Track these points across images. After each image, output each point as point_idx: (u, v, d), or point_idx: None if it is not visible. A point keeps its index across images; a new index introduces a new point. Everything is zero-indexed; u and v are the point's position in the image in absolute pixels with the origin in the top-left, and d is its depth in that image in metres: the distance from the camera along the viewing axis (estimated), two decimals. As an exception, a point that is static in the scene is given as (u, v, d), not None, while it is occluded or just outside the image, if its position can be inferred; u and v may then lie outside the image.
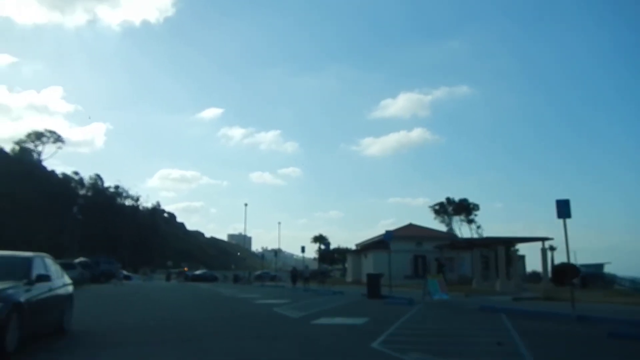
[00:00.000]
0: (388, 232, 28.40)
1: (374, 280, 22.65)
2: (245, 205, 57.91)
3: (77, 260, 41.58)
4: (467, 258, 38.17)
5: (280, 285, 45.14)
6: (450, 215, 69.29)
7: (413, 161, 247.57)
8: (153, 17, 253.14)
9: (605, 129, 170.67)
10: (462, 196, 69.25)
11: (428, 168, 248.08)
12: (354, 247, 54.35)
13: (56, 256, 12.09)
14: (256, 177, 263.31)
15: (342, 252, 72.58)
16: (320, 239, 78.07)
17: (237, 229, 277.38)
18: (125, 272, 65.17)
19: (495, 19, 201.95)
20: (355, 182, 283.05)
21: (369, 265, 45.85)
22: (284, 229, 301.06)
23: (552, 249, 66.34)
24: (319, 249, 70.41)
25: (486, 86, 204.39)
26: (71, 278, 11.11)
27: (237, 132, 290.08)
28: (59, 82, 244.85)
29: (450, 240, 35.49)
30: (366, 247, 51.10)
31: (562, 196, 16.95)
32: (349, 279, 50.44)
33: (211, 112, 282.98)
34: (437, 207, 71.07)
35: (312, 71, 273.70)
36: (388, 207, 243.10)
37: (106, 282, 46.70)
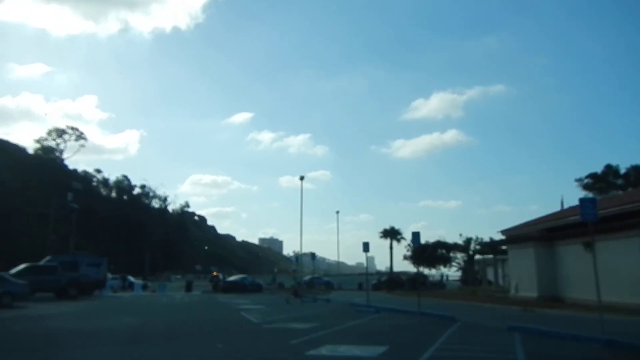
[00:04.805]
0: None
1: None
2: (302, 178, 36.03)
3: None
4: None
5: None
6: (609, 191, 44.55)
7: (446, 164, 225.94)
8: (184, 23, 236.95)
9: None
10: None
11: (461, 171, 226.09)
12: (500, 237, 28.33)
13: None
14: (285, 181, 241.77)
15: (459, 249, 47.41)
16: (391, 232, 54.73)
17: (267, 233, 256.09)
18: (132, 279, 43.73)
19: (532, 14, 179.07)
20: (385, 185, 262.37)
21: (610, 266, 17.01)
22: (314, 233, 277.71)
23: None
24: (411, 246, 46.68)
25: (523, 85, 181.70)
26: None
27: (266, 136, 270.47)
28: (94, 90, 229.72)
29: None
30: (573, 230, 20.46)
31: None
32: (519, 292, 24.02)
33: (241, 117, 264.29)
34: (588, 182, 45.67)
35: (341, 73, 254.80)
36: (419, 210, 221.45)
37: (80, 296, 25.49)
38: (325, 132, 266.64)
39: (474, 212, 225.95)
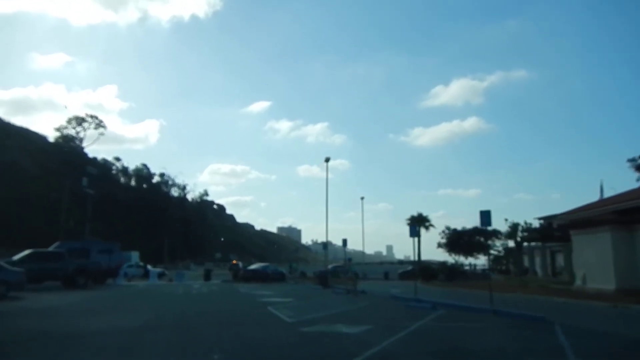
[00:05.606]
0: None
1: None
2: (327, 160, 32.73)
3: None
4: None
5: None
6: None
7: (465, 151, 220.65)
8: (202, 11, 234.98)
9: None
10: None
11: (481, 159, 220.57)
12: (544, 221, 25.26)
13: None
14: (304, 170, 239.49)
15: (501, 235, 42.66)
16: (419, 220, 50.99)
17: (286, 222, 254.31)
18: (150, 267, 41.40)
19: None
20: (404, 174, 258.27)
21: None
22: (332, 222, 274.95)
23: None
24: (448, 232, 42.94)
25: (545, 70, 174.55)
26: None
27: (284, 125, 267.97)
28: (114, 80, 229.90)
29: None
30: None
31: None
32: (587, 283, 20.42)
33: (259, 106, 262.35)
34: (640, 161, 39.88)
35: (359, 61, 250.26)
36: (438, 199, 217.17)
37: (91, 285, 23.01)
38: (343, 120, 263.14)
39: (495, 201, 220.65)
